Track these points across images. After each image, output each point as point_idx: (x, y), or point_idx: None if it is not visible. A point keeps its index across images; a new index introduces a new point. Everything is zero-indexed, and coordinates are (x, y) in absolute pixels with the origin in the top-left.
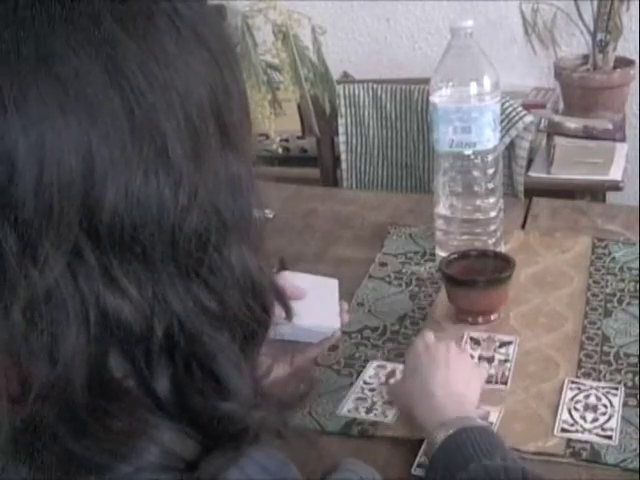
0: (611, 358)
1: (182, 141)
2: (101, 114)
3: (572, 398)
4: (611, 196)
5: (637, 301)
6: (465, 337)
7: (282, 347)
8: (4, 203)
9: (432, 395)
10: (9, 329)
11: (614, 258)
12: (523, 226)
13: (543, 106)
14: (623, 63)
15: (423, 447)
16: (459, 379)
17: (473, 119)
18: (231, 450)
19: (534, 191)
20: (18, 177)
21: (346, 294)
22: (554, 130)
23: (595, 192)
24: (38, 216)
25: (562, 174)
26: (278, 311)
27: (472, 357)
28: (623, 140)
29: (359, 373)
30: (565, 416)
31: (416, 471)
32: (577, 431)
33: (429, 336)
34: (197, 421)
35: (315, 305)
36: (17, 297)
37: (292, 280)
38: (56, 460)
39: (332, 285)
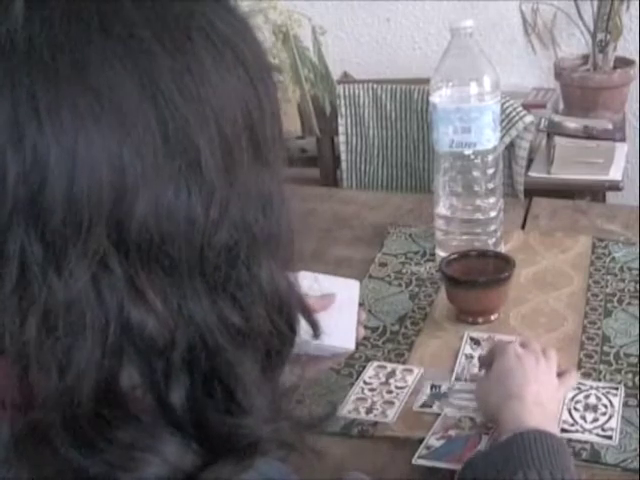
0: (611, 358)
1: (215, 156)
2: (134, 126)
3: (572, 398)
4: (611, 196)
5: (637, 301)
6: (465, 337)
7: (293, 358)
8: (33, 212)
9: (522, 398)
10: (22, 337)
11: (614, 258)
12: (523, 226)
13: (543, 106)
14: (623, 63)
15: (424, 444)
16: (545, 394)
17: (473, 119)
18: (235, 463)
19: (534, 191)
20: (48, 186)
21: None
22: (554, 130)
23: (595, 192)
24: (66, 226)
25: (562, 174)
26: (305, 327)
27: (472, 357)
28: (623, 140)
29: (359, 373)
30: (565, 416)
31: (417, 461)
32: (577, 431)
33: (519, 345)
34: (206, 435)
35: (333, 316)
36: (36, 306)
37: (313, 284)
38: (55, 468)
39: (353, 289)
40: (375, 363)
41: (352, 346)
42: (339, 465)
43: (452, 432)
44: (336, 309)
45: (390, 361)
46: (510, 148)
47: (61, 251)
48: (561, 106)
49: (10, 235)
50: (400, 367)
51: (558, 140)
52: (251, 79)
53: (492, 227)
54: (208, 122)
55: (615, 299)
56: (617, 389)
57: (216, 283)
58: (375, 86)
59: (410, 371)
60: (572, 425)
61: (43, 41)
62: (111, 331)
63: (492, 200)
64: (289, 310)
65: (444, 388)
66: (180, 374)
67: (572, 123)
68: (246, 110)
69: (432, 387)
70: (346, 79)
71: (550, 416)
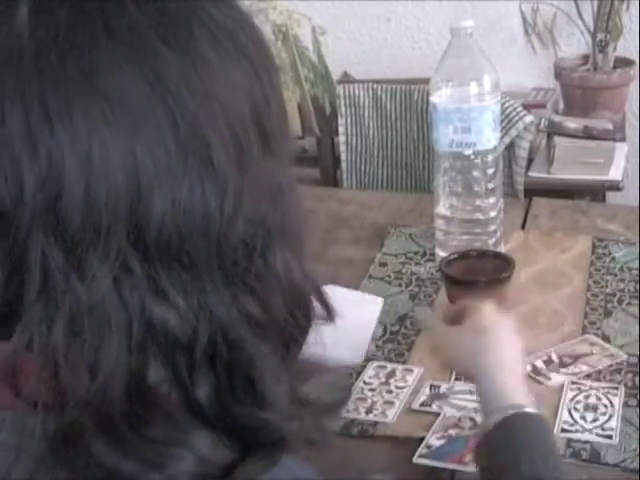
0: None
1: (226, 150)
2: (145, 127)
3: (572, 398)
4: (611, 196)
5: (637, 301)
6: None
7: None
8: (51, 219)
9: (509, 370)
10: (50, 342)
11: (614, 258)
12: (523, 226)
13: (543, 106)
14: (623, 63)
15: (424, 443)
16: (519, 361)
17: (473, 119)
18: (265, 458)
19: (534, 191)
20: (65, 192)
21: None
22: (554, 130)
23: (595, 192)
24: (85, 231)
25: (562, 174)
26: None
27: None
28: (623, 140)
29: (359, 373)
30: (565, 416)
31: (418, 460)
32: (577, 431)
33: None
34: (234, 429)
35: (347, 330)
36: (61, 311)
37: (332, 296)
38: (89, 467)
39: (375, 306)
40: (375, 363)
41: (359, 361)
42: (339, 465)
43: (452, 432)
44: (353, 323)
45: (390, 361)
46: (510, 148)
47: (82, 256)
48: (561, 106)
49: (31, 243)
50: (400, 367)
51: (558, 140)
52: (255, 70)
53: (492, 227)
54: (217, 117)
55: (615, 299)
56: (617, 389)
57: (234, 277)
58: (375, 86)
59: (410, 371)
60: (572, 425)
61: (50, 47)
62: (135, 330)
63: (492, 200)
64: (304, 298)
65: (444, 388)
66: (203, 368)
67: (572, 123)
68: (252, 102)
69: (432, 387)
70: (346, 79)
71: (522, 380)
